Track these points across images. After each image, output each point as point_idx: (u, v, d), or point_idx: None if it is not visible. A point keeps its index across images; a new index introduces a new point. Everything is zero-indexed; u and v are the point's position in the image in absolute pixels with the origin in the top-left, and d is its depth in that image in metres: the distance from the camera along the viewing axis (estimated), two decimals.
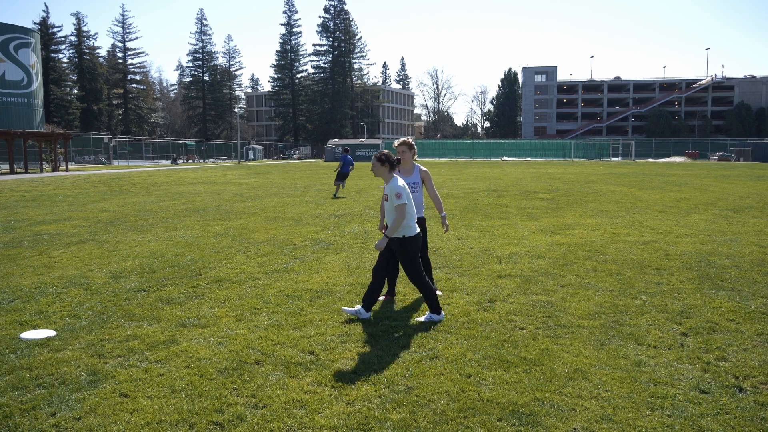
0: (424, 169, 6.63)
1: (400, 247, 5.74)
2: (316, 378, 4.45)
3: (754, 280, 7.43)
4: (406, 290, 7.02)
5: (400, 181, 5.74)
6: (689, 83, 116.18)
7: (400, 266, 6.50)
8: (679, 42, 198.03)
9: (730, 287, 7.10)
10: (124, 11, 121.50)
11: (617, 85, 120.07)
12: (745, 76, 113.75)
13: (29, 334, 5.47)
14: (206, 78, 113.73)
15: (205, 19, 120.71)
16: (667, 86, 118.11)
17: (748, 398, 4.09)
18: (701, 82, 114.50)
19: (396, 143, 6.60)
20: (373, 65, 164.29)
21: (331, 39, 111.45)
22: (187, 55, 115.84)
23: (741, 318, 5.88)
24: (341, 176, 20.73)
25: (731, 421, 3.77)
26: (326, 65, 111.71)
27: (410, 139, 6.64)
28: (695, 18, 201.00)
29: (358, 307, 5.94)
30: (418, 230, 5.82)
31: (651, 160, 77.87)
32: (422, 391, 4.21)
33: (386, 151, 5.88)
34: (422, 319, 5.80)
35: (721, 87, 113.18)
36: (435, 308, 5.80)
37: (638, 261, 8.67)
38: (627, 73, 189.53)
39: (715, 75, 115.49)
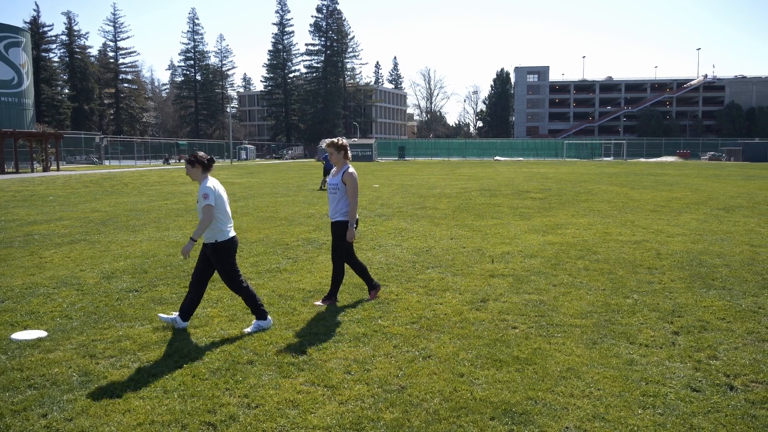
0: (351, 171, 6.32)
1: (213, 253, 5.47)
2: (309, 378, 4.45)
3: (745, 279, 7.48)
4: (398, 290, 7.02)
5: (210, 182, 5.42)
6: (680, 83, 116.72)
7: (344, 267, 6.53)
8: (671, 42, 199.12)
9: (721, 286, 7.14)
10: (115, 10, 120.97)
11: (609, 85, 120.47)
12: (736, 76, 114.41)
13: (20, 335, 5.44)
14: (198, 77, 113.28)
15: (197, 19, 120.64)
16: (659, 86, 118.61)
17: (738, 396, 4.11)
18: (692, 82, 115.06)
19: (324, 143, 6.48)
20: (365, 65, 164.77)
21: (323, 39, 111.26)
22: (179, 54, 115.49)
23: (732, 317, 5.91)
24: (326, 172, 22.47)
25: (722, 419, 3.79)
26: (319, 65, 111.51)
27: (340, 140, 6.40)
28: (687, 18, 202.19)
29: (174, 314, 5.62)
30: (232, 234, 5.55)
31: (642, 159, 78.21)
32: (415, 390, 4.22)
33: (200, 153, 5.55)
34: (249, 329, 5.50)
35: (712, 87, 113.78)
36: (260, 314, 5.56)
37: (630, 260, 8.71)
38: (619, 73, 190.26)
39: (706, 75, 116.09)
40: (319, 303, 6.42)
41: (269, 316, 5.68)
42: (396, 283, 7.35)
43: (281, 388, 4.28)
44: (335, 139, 6.41)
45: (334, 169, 6.49)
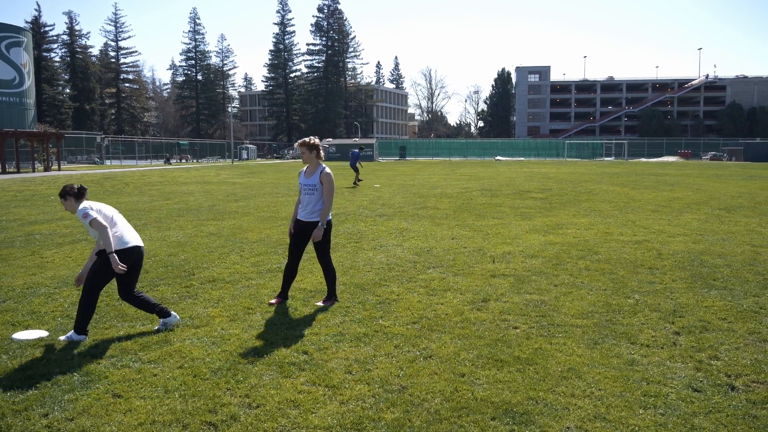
0: (328, 172, 6.28)
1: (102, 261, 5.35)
2: (310, 378, 4.45)
3: (746, 279, 7.47)
4: (399, 290, 7.02)
5: (82, 204, 5.33)
6: (681, 83, 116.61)
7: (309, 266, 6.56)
8: (672, 42, 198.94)
9: (723, 286, 7.14)
10: (116, 10, 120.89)
11: (610, 85, 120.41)
12: (737, 76, 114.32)
13: (21, 335, 5.44)
14: (199, 77, 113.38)
15: (198, 19, 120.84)
16: (660, 86, 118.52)
17: (740, 397, 4.11)
18: (693, 82, 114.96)
19: (296, 144, 6.38)
20: (366, 65, 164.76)
21: (324, 38, 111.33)
22: (180, 54, 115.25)
23: (733, 317, 5.91)
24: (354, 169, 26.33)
25: (723, 419, 3.79)
26: (320, 65, 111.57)
27: (311, 139, 6.31)
28: (688, 18, 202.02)
29: (70, 333, 5.36)
30: (132, 243, 5.40)
31: (644, 159, 78.14)
32: (416, 390, 4.22)
33: (67, 185, 5.41)
34: (157, 328, 5.54)
35: (713, 87, 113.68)
36: (163, 314, 5.54)
37: (631, 260, 8.70)
38: (620, 73, 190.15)
39: (708, 75, 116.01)
40: (320, 303, 6.42)
41: (173, 312, 5.72)
42: (397, 283, 7.35)
43: (282, 388, 4.28)
44: (307, 139, 6.32)
45: (307, 169, 6.39)
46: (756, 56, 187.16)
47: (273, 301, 6.44)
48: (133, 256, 5.43)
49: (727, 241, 10.33)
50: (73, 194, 5.40)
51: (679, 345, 5.12)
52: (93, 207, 5.35)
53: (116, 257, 5.20)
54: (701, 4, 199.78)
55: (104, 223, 5.23)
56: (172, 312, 5.72)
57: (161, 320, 5.60)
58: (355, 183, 25.44)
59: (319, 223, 6.24)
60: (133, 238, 5.50)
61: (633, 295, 6.76)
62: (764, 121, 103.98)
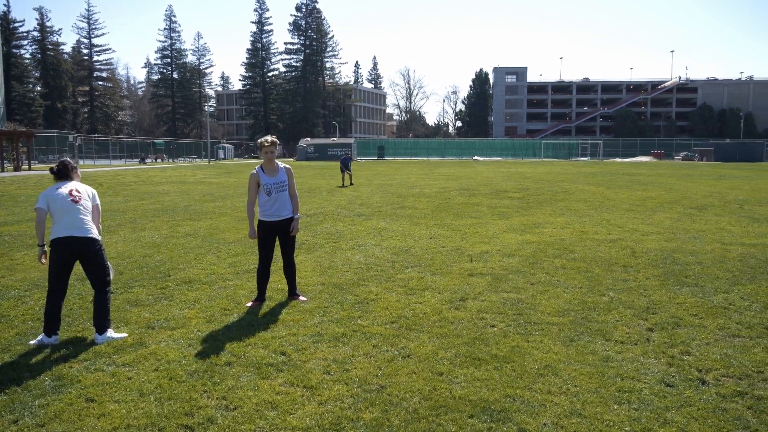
0: (288, 167, 6.44)
1: None
2: (288, 379, 4.43)
3: (716, 276, 7.61)
4: (377, 289, 7.03)
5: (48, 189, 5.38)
6: (655, 85, 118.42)
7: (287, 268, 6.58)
8: (645, 44, 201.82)
9: (694, 283, 7.26)
10: (89, 6, 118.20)
11: (586, 86, 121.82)
12: (708, 78, 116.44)
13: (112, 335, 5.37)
14: (175, 76, 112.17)
15: (174, 16, 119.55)
16: (634, 87, 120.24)
17: (710, 391, 4.19)
18: (666, 84, 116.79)
19: (267, 143, 6.24)
20: (345, 64, 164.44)
21: (302, 38, 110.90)
22: (156, 52, 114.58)
23: (704, 313, 6.02)
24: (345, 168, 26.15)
25: (695, 413, 3.86)
26: (298, 64, 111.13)
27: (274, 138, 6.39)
28: (661, 20, 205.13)
29: (40, 336, 5.25)
30: (55, 236, 5.25)
31: (618, 159, 79.16)
32: (394, 390, 4.22)
33: (53, 166, 5.50)
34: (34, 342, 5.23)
35: (685, 89, 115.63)
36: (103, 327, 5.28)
37: (606, 258, 8.81)
38: (595, 74, 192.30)
39: (680, 77, 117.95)
40: (303, 298, 6.59)
41: (54, 336, 5.21)
42: (375, 283, 7.35)
43: (260, 389, 4.25)
44: (275, 138, 6.37)
45: (267, 169, 6.33)
46: (726, 59, 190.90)
47: (250, 303, 6.40)
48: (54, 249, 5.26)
49: (698, 240, 10.52)
50: (53, 173, 5.52)
51: (652, 341, 5.20)
52: (45, 195, 5.36)
53: (43, 250, 5.30)
54: (673, 7, 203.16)
55: (38, 216, 5.31)
56: (54, 336, 5.22)
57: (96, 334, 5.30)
58: (351, 183, 26.04)
59: (297, 216, 6.43)
60: (58, 230, 5.25)
61: (608, 292, 6.85)
62: (734, 123, 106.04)
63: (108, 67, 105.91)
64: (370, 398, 4.09)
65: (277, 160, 6.41)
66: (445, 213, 14.78)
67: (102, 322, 5.28)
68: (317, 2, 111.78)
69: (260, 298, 6.49)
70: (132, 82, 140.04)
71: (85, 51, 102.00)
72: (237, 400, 4.08)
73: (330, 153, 72.87)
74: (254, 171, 6.38)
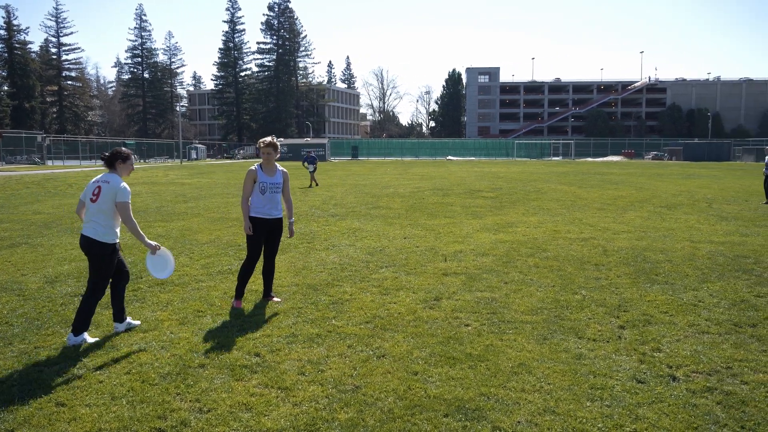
0: (285, 171, 6.51)
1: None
2: (262, 380, 4.40)
3: (686, 274, 7.76)
4: (352, 289, 7.02)
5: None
6: (625, 85, 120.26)
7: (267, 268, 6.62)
8: (616, 45, 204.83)
9: (664, 281, 7.40)
10: (57, 5, 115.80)
11: (557, 87, 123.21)
12: (677, 78, 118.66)
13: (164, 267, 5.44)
14: (146, 75, 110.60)
15: (145, 15, 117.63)
16: (605, 88, 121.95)
17: (680, 386, 4.27)
18: (636, 84, 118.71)
19: (264, 143, 6.30)
20: (318, 64, 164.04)
21: (275, 37, 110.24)
22: (126, 51, 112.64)
23: (674, 310, 6.13)
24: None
25: (665, 408, 3.93)
26: (270, 63, 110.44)
27: (276, 139, 6.48)
28: (630, 21, 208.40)
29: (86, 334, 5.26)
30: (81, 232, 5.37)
31: (590, 159, 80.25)
32: (369, 390, 4.22)
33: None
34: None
35: (655, 89, 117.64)
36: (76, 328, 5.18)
37: (578, 257, 8.93)
38: (567, 74, 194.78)
39: (649, 77, 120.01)
40: (278, 300, 6.60)
41: (84, 335, 5.23)
42: (350, 283, 7.34)
43: (234, 391, 4.22)
44: (274, 140, 6.40)
45: (266, 169, 6.36)
46: (694, 60, 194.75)
47: (235, 303, 6.37)
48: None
49: (668, 238, 10.71)
50: (102, 160, 5.53)
51: (624, 338, 5.28)
52: (86, 187, 5.48)
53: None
54: (643, 8, 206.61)
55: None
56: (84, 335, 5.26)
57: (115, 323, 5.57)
58: (315, 184, 25.55)
59: (291, 220, 6.63)
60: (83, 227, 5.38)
61: (580, 291, 6.93)
62: (702, 123, 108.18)
63: (77, 66, 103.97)
64: (345, 398, 4.09)
65: (276, 163, 6.45)
66: (419, 213, 14.82)
67: (76, 323, 5.18)
68: (290, 2, 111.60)
69: (239, 296, 6.45)
70: (102, 81, 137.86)
71: (53, 50, 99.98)
72: (211, 402, 4.04)
73: (304, 153, 72.48)
74: (252, 168, 6.38)
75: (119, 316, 5.58)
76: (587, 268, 8.20)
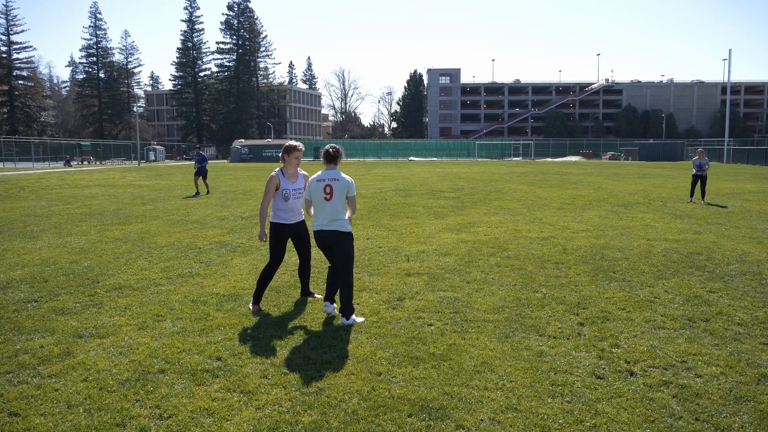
0: (305, 174, 6.48)
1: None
2: (225, 384, 4.34)
3: (642, 271, 7.96)
4: (316, 291, 6.98)
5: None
6: (582, 87, 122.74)
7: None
8: (573, 47, 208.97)
9: (622, 278, 7.57)
10: (7, 2, 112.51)
11: (517, 88, 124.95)
12: (632, 80, 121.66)
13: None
14: (102, 75, 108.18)
15: (100, 13, 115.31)
16: (563, 89, 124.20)
17: (638, 381, 4.37)
18: (593, 86, 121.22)
19: (299, 148, 6.31)
20: (279, 64, 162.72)
21: (235, 37, 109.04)
22: (81, 50, 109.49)
23: (631, 307, 6.28)
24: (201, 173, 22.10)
25: (624, 403, 4.02)
26: (230, 64, 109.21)
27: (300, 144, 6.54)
28: (587, 23, 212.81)
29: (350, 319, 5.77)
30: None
31: (549, 159, 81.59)
32: (333, 391, 4.21)
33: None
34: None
35: (611, 91, 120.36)
36: (348, 313, 5.81)
37: (539, 256, 9.07)
38: (526, 76, 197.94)
39: (606, 79, 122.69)
40: (318, 296, 6.71)
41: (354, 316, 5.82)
42: (312, 285, 7.30)
43: (195, 396, 4.15)
44: (300, 144, 6.40)
45: (288, 174, 6.29)
46: (648, 62, 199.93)
47: (251, 307, 6.29)
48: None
49: (625, 236, 10.97)
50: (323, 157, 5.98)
51: (584, 335, 5.39)
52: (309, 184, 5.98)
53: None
54: (599, 11, 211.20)
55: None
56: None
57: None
58: (207, 190, 21.84)
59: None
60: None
61: (541, 289, 7.04)
62: (656, 123, 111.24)
63: (29, 65, 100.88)
64: (309, 401, 4.07)
65: (298, 168, 6.41)
66: (382, 213, 14.84)
67: (347, 308, 5.76)
68: (249, 1, 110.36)
69: (257, 301, 6.37)
70: (56, 81, 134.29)
71: (3, 48, 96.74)
72: (171, 408, 3.97)
73: (265, 154, 71.94)
74: (274, 174, 6.27)
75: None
76: (547, 266, 8.34)
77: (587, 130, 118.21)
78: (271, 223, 6.35)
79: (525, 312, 6.11)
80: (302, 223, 6.48)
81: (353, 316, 5.77)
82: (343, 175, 5.89)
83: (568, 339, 5.29)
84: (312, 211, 5.94)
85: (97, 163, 72.54)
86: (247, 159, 72.48)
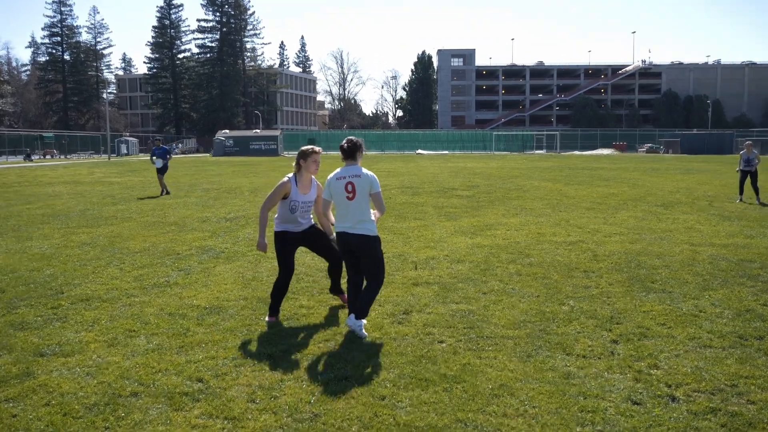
0: (317, 182, 6.52)
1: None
2: (206, 409, 4.34)
3: (685, 281, 7.94)
4: (310, 303, 6.99)
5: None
6: (615, 69, 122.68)
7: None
8: (605, 25, 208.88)
9: (661, 289, 7.55)
10: None
11: (540, 71, 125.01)
12: (673, 62, 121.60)
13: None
14: (66, 57, 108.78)
15: None
16: (593, 72, 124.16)
17: (681, 408, 4.35)
18: (628, 69, 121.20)
19: (316, 150, 6.33)
20: (268, 45, 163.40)
21: (218, 14, 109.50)
22: (43, 29, 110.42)
23: (672, 322, 6.26)
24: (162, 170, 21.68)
25: None
26: (213, 44, 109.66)
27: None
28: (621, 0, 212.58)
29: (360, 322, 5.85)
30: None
31: (577, 152, 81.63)
32: (330, 418, 4.20)
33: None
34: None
35: (648, 74, 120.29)
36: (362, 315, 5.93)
37: (565, 263, 9.05)
38: (550, 57, 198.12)
39: (643, 61, 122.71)
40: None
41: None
42: (307, 296, 7.31)
43: (173, 423, 4.15)
44: (317, 148, 6.44)
45: (301, 183, 6.30)
46: (692, 42, 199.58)
47: (267, 318, 6.36)
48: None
49: (665, 240, 10.94)
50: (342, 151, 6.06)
51: (617, 354, 5.37)
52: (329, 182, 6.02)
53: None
54: None
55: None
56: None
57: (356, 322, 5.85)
58: (166, 191, 21.16)
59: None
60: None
61: (568, 301, 7.03)
62: (701, 111, 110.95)
63: None
64: (302, 429, 4.06)
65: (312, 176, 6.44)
66: (386, 214, 14.85)
67: (363, 312, 5.84)
68: None
69: (274, 313, 6.41)
70: (14, 64, 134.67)
71: None
72: None
73: (252, 147, 72.17)
74: (287, 179, 6.27)
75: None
76: (575, 275, 8.32)
77: (621, 119, 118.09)
78: (275, 232, 6.38)
79: (550, 327, 6.10)
80: (312, 227, 6.52)
81: (363, 322, 5.84)
82: (365, 170, 5.93)
83: (599, 359, 5.27)
84: (331, 215, 6.05)
85: (62, 157, 72.80)
86: (232, 152, 72.64)
